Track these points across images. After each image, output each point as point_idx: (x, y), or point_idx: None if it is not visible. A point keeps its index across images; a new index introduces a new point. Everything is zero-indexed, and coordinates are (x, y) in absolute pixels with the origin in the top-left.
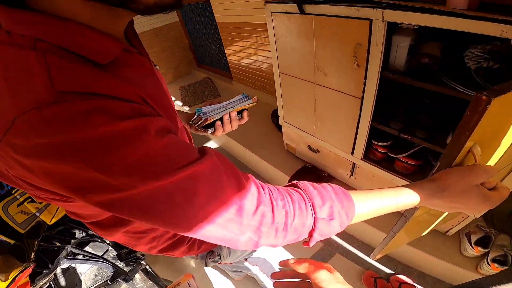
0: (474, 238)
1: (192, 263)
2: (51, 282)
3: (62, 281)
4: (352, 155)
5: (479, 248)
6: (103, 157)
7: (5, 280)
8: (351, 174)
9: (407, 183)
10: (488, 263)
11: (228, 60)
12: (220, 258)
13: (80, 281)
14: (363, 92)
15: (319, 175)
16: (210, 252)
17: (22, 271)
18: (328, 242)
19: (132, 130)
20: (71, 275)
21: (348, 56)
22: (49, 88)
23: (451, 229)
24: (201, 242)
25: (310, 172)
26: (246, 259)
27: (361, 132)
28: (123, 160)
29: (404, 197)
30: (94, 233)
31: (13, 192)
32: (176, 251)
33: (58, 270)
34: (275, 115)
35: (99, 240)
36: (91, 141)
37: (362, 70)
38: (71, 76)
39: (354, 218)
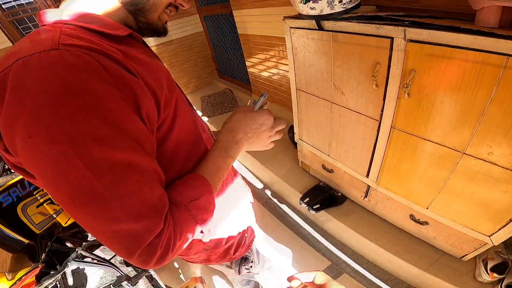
0: (490, 264)
1: (198, 272)
2: (57, 282)
3: (70, 281)
4: (367, 177)
5: (495, 274)
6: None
7: (11, 279)
8: (365, 196)
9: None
10: None
11: (248, 72)
12: (251, 266)
13: (87, 282)
14: (382, 114)
15: (332, 195)
16: (244, 259)
17: (29, 271)
18: (336, 261)
19: (103, 98)
20: (80, 275)
21: (366, 76)
22: (55, 42)
23: (467, 254)
24: (238, 247)
25: (324, 191)
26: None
27: (378, 155)
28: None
29: (226, 160)
30: None
31: (34, 193)
32: (212, 255)
33: (68, 270)
34: (291, 130)
35: None
36: (62, 91)
37: (381, 91)
38: (76, 35)
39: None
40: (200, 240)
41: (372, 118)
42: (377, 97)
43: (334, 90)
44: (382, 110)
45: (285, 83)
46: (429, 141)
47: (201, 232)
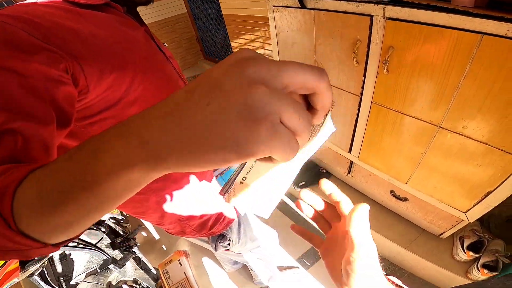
0: (467, 243)
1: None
2: (44, 268)
3: (59, 268)
4: (350, 153)
5: (471, 253)
6: None
7: None
8: (348, 172)
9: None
10: (478, 268)
11: None
12: (229, 244)
13: (74, 267)
14: (362, 90)
15: (317, 172)
16: (221, 236)
17: None
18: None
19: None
20: (68, 261)
21: (347, 53)
22: None
23: (444, 232)
24: (214, 223)
25: (309, 168)
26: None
27: (359, 130)
28: None
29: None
30: None
31: None
32: (187, 227)
33: (56, 257)
34: None
35: (95, 228)
36: None
37: (362, 67)
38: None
39: None
40: (174, 213)
41: (354, 94)
42: (358, 74)
43: (315, 65)
44: (362, 86)
45: None
46: (407, 115)
47: None
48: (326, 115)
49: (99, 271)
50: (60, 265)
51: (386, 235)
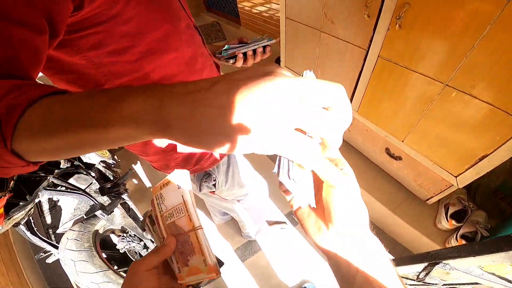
0: (451, 210)
1: None
2: (31, 217)
3: (48, 219)
4: None
5: (453, 222)
6: None
7: None
8: None
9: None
10: (456, 238)
11: (238, 6)
12: (215, 185)
13: (61, 215)
14: (370, 44)
15: None
16: (206, 174)
17: None
18: None
19: None
20: (57, 212)
21: (359, 6)
22: None
23: (432, 197)
24: (200, 158)
25: None
26: (238, 200)
27: (361, 84)
28: None
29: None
30: (80, 164)
31: None
32: (171, 160)
33: (45, 206)
34: (278, 62)
35: (84, 173)
36: None
37: (373, 21)
38: None
39: None
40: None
41: (360, 47)
42: (367, 27)
43: (324, 19)
44: (370, 40)
45: (275, 16)
46: (414, 71)
47: None
48: None
49: (85, 218)
50: (49, 215)
51: (376, 196)
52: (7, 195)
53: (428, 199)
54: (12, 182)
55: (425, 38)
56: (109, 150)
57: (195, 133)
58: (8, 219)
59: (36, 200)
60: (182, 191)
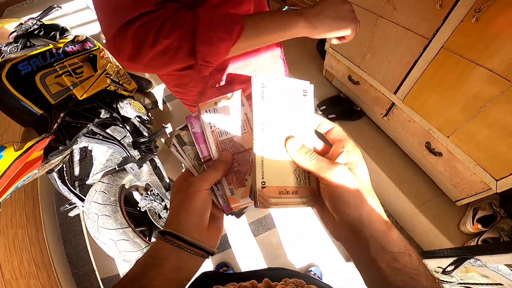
0: (479, 215)
1: None
2: (64, 165)
3: (77, 170)
4: (395, 94)
5: (479, 226)
6: None
7: (18, 150)
8: (386, 115)
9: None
10: (477, 243)
11: None
12: None
13: (92, 167)
14: (435, 34)
15: (351, 108)
16: None
17: (39, 141)
18: None
19: None
20: (87, 164)
21: None
22: None
23: (464, 198)
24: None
25: (343, 102)
26: None
27: (414, 74)
28: None
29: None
30: (117, 117)
31: (54, 65)
32: (208, 85)
33: (76, 158)
34: (321, 42)
35: (120, 125)
36: None
37: (444, 12)
38: None
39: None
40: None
41: (422, 36)
42: (437, 17)
43: (386, 4)
44: (437, 30)
45: None
46: (480, 65)
47: (190, 58)
48: None
49: (116, 170)
50: (78, 167)
51: (403, 189)
52: (50, 136)
53: (458, 200)
54: (55, 125)
55: (503, 35)
56: (144, 107)
57: (330, 23)
58: (46, 163)
59: (74, 146)
60: (245, 108)
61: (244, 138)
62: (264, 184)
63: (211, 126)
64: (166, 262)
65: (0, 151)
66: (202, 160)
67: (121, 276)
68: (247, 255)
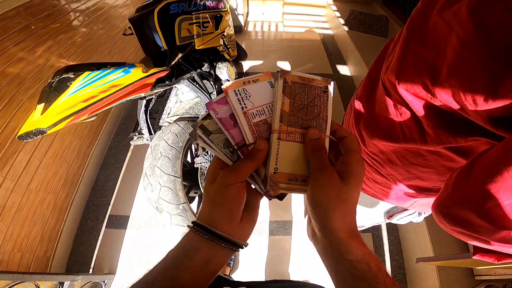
0: None
1: None
2: (153, 99)
3: (158, 105)
4: None
5: None
6: None
7: (144, 72)
8: None
9: None
10: None
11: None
12: None
13: (162, 110)
14: None
15: None
16: None
17: (160, 71)
18: None
19: None
20: (163, 103)
21: None
22: None
23: (487, 275)
24: None
25: None
26: None
27: None
28: None
29: None
30: (213, 74)
31: (193, 13)
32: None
33: (161, 94)
34: None
35: (212, 82)
36: None
37: None
38: None
39: None
40: None
41: None
42: None
43: None
44: None
45: None
46: None
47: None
48: None
49: (200, 118)
50: (159, 103)
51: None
52: (167, 70)
53: (480, 275)
54: (173, 62)
55: None
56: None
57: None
58: (151, 90)
59: (177, 85)
60: (275, 89)
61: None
62: (276, 170)
63: (242, 108)
64: (197, 254)
65: (130, 68)
66: (236, 147)
67: (130, 219)
68: (254, 248)
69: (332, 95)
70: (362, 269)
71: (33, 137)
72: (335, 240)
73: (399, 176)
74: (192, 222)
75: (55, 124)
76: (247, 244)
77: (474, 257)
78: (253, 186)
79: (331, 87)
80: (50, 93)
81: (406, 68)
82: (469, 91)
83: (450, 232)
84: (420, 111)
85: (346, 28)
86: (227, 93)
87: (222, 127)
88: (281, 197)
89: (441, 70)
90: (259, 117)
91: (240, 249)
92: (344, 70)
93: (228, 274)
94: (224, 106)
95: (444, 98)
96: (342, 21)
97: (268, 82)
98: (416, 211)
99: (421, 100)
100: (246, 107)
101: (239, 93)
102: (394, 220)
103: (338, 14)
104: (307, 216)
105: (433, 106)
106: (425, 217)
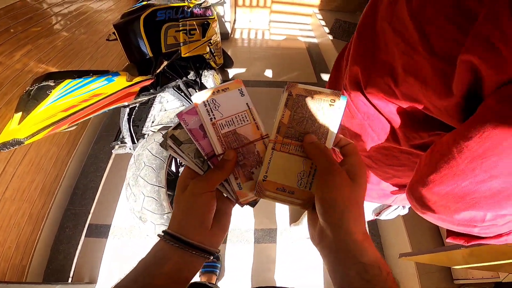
0: None
1: None
2: (137, 107)
3: (139, 113)
4: None
5: None
6: None
7: (129, 81)
8: None
9: None
10: None
11: None
12: None
13: (146, 118)
14: None
15: None
16: None
17: (145, 80)
18: None
19: None
20: (146, 111)
21: None
22: None
23: (466, 278)
24: None
25: None
26: None
27: None
28: None
29: None
30: (199, 82)
31: (179, 20)
32: None
33: (145, 101)
34: None
35: (197, 91)
36: None
37: None
38: None
39: None
40: None
41: None
42: None
43: None
44: None
45: None
46: None
47: None
48: None
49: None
50: (142, 110)
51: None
52: (152, 79)
53: (459, 279)
54: (158, 70)
55: None
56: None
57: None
58: (135, 99)
59: (162, 94)
60: (246, 98)
61: (247, 129)
62: (265, 178)
63: (211, 119)
64: (168, 262)
65: (114, 76)
66: (206, 157)
67: (112, 228)
68: (240, 256)
69: (342, 109)
70: (373, 273)
71: (9, 147)
72: (352, 242)
73: (378, 177)
74: (163, 231)
75: (33, 135)
76: (219, 250)
77: (447, 240)
78: (225, 195)
79: (339, 100)
80: (29, 102)
81: (372, 72)
82: (425, 89)
83: (423, 216)
84: (388, 113)
85: (330, 37)
86: (197, 104)
87: (192, 138)
88: (253, 204)
89: (398, 71)
90: (228, 127)
91: (211, 256)
92: (328, 78)
93: (214, 283)
94: (194, 117)
95: (407, 97)
96: (327, 29)
97: (238, 90)
98: (399, 205)
99: (388, 102)
100: (215, 117)
101: (208, 103)
102: (382, 217)
103: (323, 23)
104: (301, 221)
105: (399, 108)
106: (409, 207)
